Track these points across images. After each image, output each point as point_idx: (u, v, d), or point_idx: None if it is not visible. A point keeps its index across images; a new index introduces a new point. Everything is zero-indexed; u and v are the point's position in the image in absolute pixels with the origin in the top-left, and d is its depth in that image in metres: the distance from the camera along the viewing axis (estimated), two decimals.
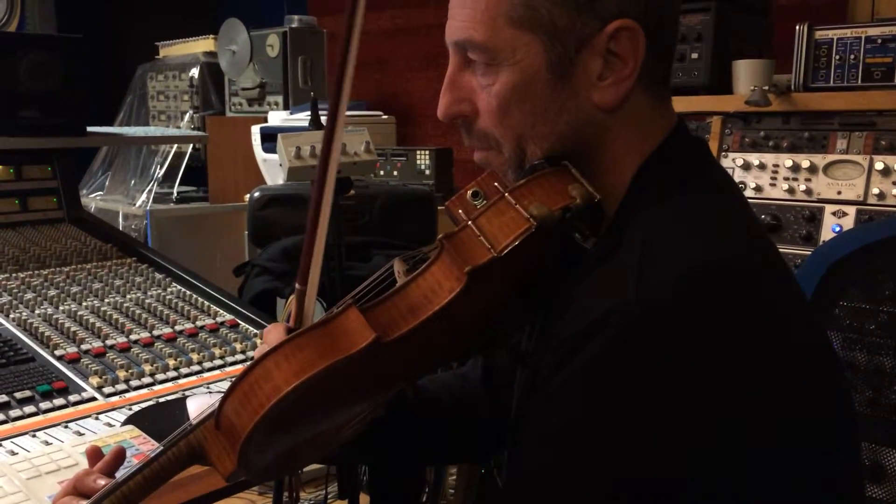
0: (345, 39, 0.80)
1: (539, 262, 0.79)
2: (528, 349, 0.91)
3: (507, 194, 0.76)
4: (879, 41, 1.78)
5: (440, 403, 1.07)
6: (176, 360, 1.37)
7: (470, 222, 0.76)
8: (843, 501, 0.79)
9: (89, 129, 1.96)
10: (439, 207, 2.32)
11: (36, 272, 1.60)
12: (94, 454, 0.88)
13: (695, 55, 1.99)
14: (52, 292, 1.52)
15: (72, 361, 1.32)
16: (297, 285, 0.86)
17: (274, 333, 0.85)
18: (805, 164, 1.85)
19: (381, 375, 0.79)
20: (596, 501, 0.70)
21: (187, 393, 1.30)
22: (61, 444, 1.11)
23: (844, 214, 1.79)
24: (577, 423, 0.71)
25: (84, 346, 1.36)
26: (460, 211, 0.82)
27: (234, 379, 0.75)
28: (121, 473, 0.83)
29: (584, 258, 0.77)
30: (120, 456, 0.87)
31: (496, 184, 0.82)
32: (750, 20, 2.13)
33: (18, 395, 1.21)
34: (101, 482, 0.83)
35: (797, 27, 1.87)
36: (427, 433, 1.07)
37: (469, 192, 0.84)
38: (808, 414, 0.74)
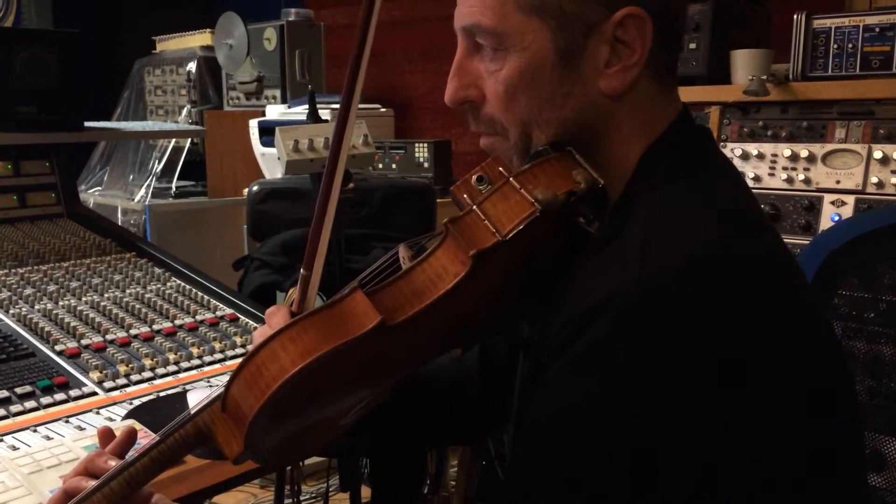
0: (361, 31, 0.81)
1: (544, 246, 0.79)
2: (532, 336, 0.91)
3: (511, 179, 0.77)
4: (877, 29, 1.78)
5: (435, 385, 1.08)
6: (176, 354, 1.37)
7: (475, 207, 0.76)
8: (846, 485, 0.80)
9: (87, 124, 1.95)
10: (438, 200, 2.32)
11: (35, 268, 1.60)
12: (106, 435, 0.89)
13: (693, 45, 1.99)
14: (52, 288, 1.52)
15: (72, 356, 1.32)
16: (301, 270, 0.86)
17: (278, 316, 0.85)
18: (804, 153, 1.85)
19: (387, 359, 0.79)
20: (600, 482, 0.70)
21: (188, 387, 1.30)
22: (62, 439, 1.11)
23: (843, 203, 1.79)
24: (583, 406, 0.71)
25: (84, 341, 1.36)
26: (465, 196, 0.82)
27: (237, 365, 0.75)
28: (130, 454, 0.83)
29: (587, 242, 0.78)
30: (131, 437, 0.87)
31: (501, 169, 0.82)
32: (748, 9, 2.12)
33: (19, 390, 1.21)
34: (112, 463, 0.83)
35: (795, 16, 1.87)
36: (420, 413, 1.07)
37: (474, 177, 0.84)
38: (810, 394, 0.75)
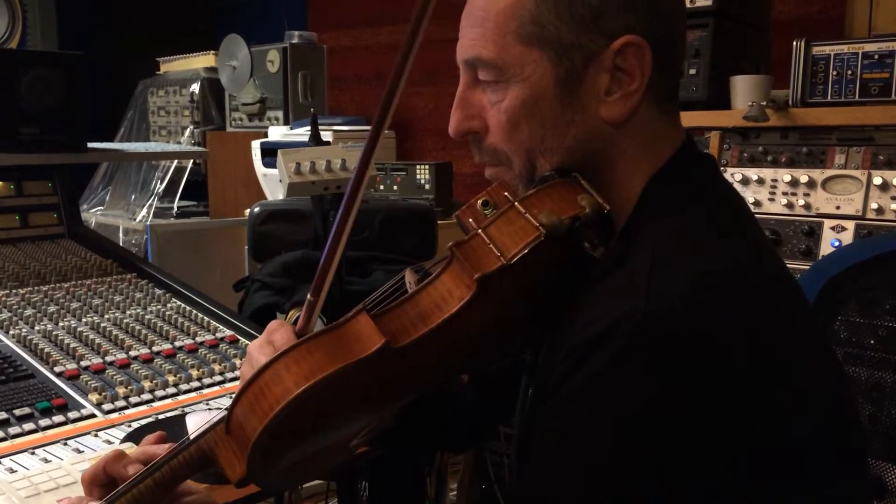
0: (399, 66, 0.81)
1: (549, 271, 0.80)
2: (536, 361, 0.91)
3: (516, 203, 0.77)
4: (876, 56, 1.79)
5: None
6: (175, 376, 1.37)
7: (480, 230, 0.76)
8: None
9: (90, 144, 1.96)
10: (439, 222, 2.32)
11: (36, 288, 1.60)
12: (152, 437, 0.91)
13: (693, 71, 2.00)
14: (52, 308, 1.52)
15: (71, 378, 1.32)
16: (308, 296, 0.86)
17: (280, 333, 0.85)
18: (803, 178, 1.86)
19: (391, 383, 0.79)
20: None
21: (187, 409, 1.30)
22: (60, 462, 1.11)
23: (843, 229, 1.79)
24: (587, 432, 0.71)
25: (84, 363, 1.36)
26: (470, 220, 0.83)
27: (241, 387, 0.75)
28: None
29: (593, 268, 0.78)
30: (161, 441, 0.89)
31: (506, 193, 0.83)
32: (747, 36, 2.14)
33: (18, 412, 1.21)
34: (132, 469, 0.83)
35: (794, 43, 1.88)
36: (408, 416, 1.07)
37: (479, 202, 0.84)
38: (816, 424, 0.75)
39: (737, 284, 0.73)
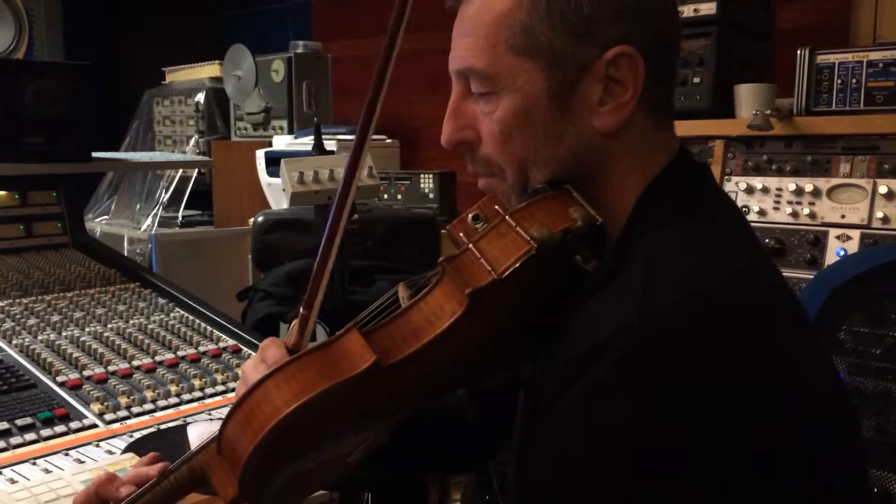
0: (379, 68, 0.81)
1: (541, 284, 0.79)
2: (532, 374, 0.90)
3: (507, 217, 0.77)
4: (881, 65, 1.78)
5: (424, 414, 1.07)
6: (178, 386, 1.36)
7: (471, 245, 0.76)
8: None
9: (94, 154, 1.97)
10: (443, 231, 2.32)
11: (39, 297, 1.60)
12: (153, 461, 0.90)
13: (697, 79, 2.00)
14: (55, 318, 1.52)
15: (73, 388, 1.32)
16: (301, 310, 0.85)
17: (272, 350, 0.85)
18: (808, 187, 1.85)
19: (383, 399, 0.78)
20: None
21: (188, 420, 1.29)
22: (61, 473, 1.10)
23: (849, 238, 1.78)
24: (584, 448, 0.71)
25: (86, 373, 1.36)
26: (461, 234, 0.82)
27: (232, 406, 0.75)
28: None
29: (586, 281, 0.77)
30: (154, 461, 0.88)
31: (497, 207, 0.82)
32: (751, 44, 2.14)
33: (19, 421, 1.20)
34: (124, 491, 0.83)
35: (799, 51, 1.88)
36: (410, 438, 1.06)
37: (470, 216, 0.84)
38: (811, 439, 0.74)
39: (732, 302, 0.72)
